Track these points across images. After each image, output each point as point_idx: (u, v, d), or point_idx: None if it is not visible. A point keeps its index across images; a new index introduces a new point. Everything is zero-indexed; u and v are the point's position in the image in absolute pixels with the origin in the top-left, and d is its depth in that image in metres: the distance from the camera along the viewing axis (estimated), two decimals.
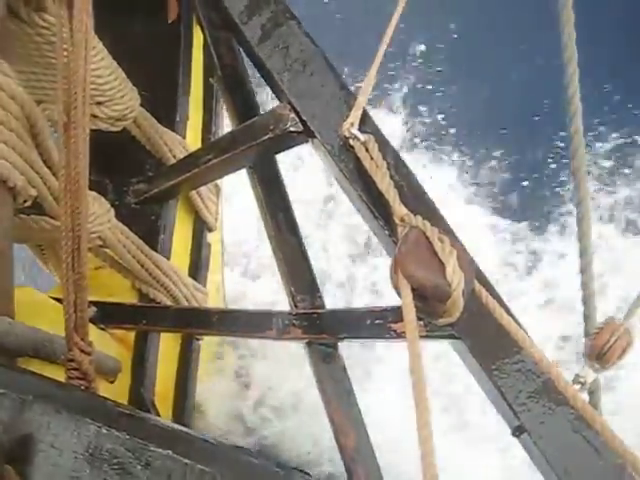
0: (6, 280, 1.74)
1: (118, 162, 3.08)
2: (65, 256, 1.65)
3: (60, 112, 1.69)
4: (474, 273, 1.46)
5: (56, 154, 1.86)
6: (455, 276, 1.37)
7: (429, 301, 1.40)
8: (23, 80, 1.79)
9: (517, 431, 1.75)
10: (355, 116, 1.82)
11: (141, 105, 2.67)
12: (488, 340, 1.72)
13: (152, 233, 3.02)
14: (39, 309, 2.26)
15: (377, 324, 2.12)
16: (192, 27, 3.23)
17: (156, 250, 2.95)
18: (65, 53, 1.69)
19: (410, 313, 1.29)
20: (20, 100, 1.65)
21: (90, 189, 1.87)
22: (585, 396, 1.81)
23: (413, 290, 1.36)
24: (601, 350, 1.70)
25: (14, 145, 1.63)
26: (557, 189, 5.92)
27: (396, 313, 2.05)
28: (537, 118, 6.24)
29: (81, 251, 1.67)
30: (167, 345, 3.13)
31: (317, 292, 2.40)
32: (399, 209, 1.60)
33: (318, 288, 2.42)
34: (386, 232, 1.84)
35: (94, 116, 2.37)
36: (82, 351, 1.64)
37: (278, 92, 2.01)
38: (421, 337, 1.30)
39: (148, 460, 1.08)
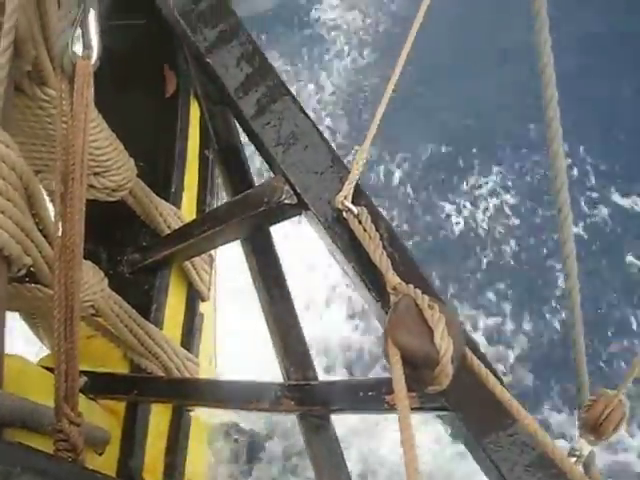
0: None
1: (113, 231, 3.11)
2: (57, 325, 1.65)
3: (58, 182, 1.72)
4: (464, 340, 1.46)
5: (52, 224, 1.88)
6: (443, 342, 1.37)
7: (419, 368, 1.39)
8: (23, 151, 1.82)
9: None
10: (348, 189, 1.85)
11: (138, 176, 2.72)
12: (481, 411, 1.70)
13: (145, 302, 3.02)
14: (29, 378, 2.24)
15: (370, 396, 2.11)
16: (189, 100, 3.32)
17: (149, 320, 2.94)
18: (65, 125, 1.73)
19: (400, 380, 1.29)
20: (20, 171, 1.67)
21: (85, 258, 1.88)
22: (580, 469, 1.78)
23: (403, 358, 1.36)
24: (595, 423, 1.69)
25: (11, 214, 1.65)
26: None
27: (390, 384, 2.04)
28: None
29: (74, 320, 1.67)
30: (157, 416, 3.09)
31: (310, 364, 2.39)
32: (392, 278, 1.61)
33: (311, 360, 2.41)
34: (379, 303, 1.85)
35: (91, 186, 2.40)
36: (71, 422, 1.62)
37: (272, 165, 2.05)
38: (413, 409, 1.29)
39: None
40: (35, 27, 1.77)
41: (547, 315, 6.55)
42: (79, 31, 1.59)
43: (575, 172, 7.29)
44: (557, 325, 6.43)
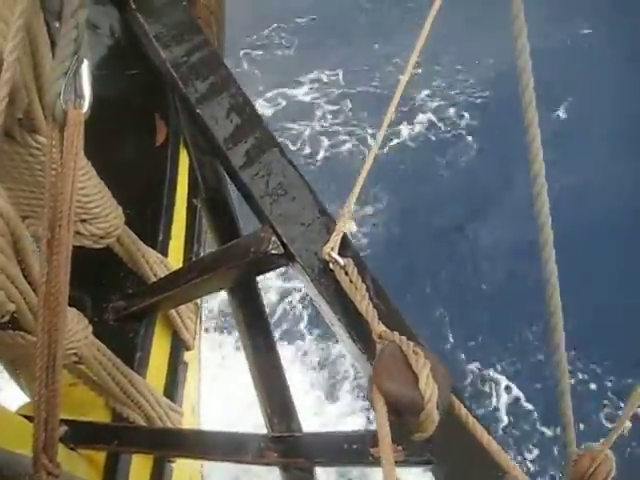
0: None
1: (99, 278, 3.10)
2: (39, 373, 1.63)
3: (45, 229, 1.72)
4: (450, 386, 1.45)
5: (37, 269, 1.87)
6: (428, 387, 1.36)
7: (404, 415, 1.38)
8: (12, 196, 1.83)
9: None
10: (335, 240, 1.87)
11: (125, 223, 2.72)
12: (468, 464, 1.68)
13: (129, 350, 2.99)
14: (6, 426, 2.21)
15: (355, 449, 2.08)
16: (179, 149, 3.35)
17: (132, 368, 2.91)
18: (54, 172, 1.74)
19: (384, 427, 1.28)
20: (7, 217, 1.68)
21: (69, 304, 1.86)
22: None
23: (388, 405, 1.35)
24: (582, 478, 1.67)
25: None
26: None
27: (374, 438, 2.02)
28: None
29: (56, 368, 1.65)
30: (138, 467, 3.03)
31: (294, 415, 2.37)
32: (377, 327, 1.62)
33: (295, 411, 2.39)
34: (364, 355, 1.85)
35: (78, 233, 2.40)
36: (49, 473, 1.59)
37: (260, 215, 2.06)
38: (398, 462, 1.28)
39: None
40: (29, 76, 1.80)
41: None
42: (72, 80, 1.61)
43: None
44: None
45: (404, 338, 1.47)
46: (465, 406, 1.51)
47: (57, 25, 1.72)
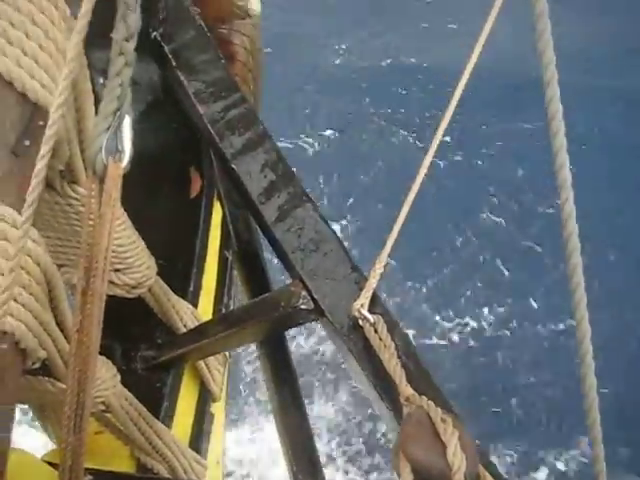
0: (3, 443, 1.72)
1: (129, 328, 3.12)
2: (66, 421, 1.65)
3: (80, 278, 1.75)
4: (478, 456, 1.43)
5: (70, 318, 1.90)
6: (456, 459, 1.35)
7: None
8: (49, 245, 1.87)
9: None
10: (365, 297, 1.88)
11: (157, 273, 2.76)
12: None
13: (156, 400, 2.99)
14: (32, 473, 2.21)
15: None
16: (212, 202, 3.40)
17: (158, 418, 2.91)
18: (91, 222, 1.79)
19: None
20: (44, 266, 1.71)
21: (99, 353, 1.89)
22: None
23: (415, 472, 1.33)
24: None
25: (32, 309, 1.68)
26: None
27: None
28: None
29: (84, 416, 1.66)
30: None
31: (319, 472, 2.35)
32: (405, 389, 1.61)
33: (321, 468, 2.36)
34: (391, 413, 1.83)
35: (111, 282, 2.44)
36: None
37: (291, 270, 2.08)
38: None
39: None
40: (72, 131, 1.86)
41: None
42: (113, 135, 1.66)
43: None
44: None
45: (432, 404, 1.46)
46: (492, 474, 1.49)
47: (102, 81, 1.79)
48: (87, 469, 2.11)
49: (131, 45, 1.57)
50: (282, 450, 2.40)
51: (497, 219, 8.93)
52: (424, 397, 1.51)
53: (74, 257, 2.32)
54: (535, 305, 8.09)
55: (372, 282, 1.91)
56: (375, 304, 1.90)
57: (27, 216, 1.31)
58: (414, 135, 10.07)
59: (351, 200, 9.38)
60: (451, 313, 8.15)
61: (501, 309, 8.11)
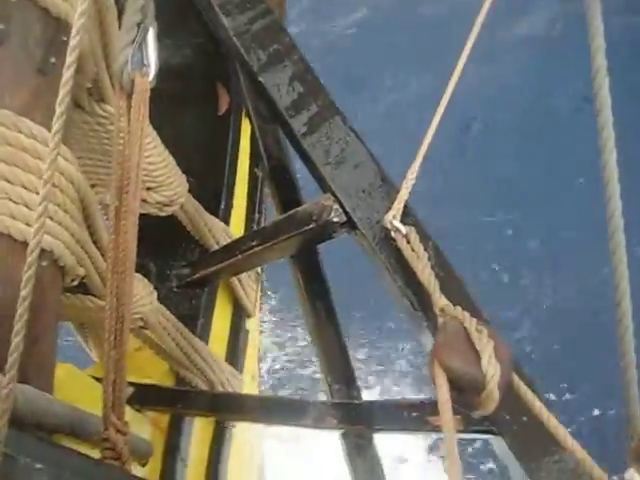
0: (49, 357, 1.78)
1: (163, 246, 3.16)
2: (107, 335, 1.68)
3: (112, 196, 1.76)
4: (512, 366, 1.44)
5: (105, 236, 1.92)
6: (490, 367, 1.36)
7: (465, 392, 1.38)
8: (80, 164, 1.87)
9: None
10: (397, 208, 1.85)
11: (188, 192, 2.76)
12: (527, 437, 1.67)
13: (192, 317, 3.05)
14: (78, 386, 2.29)
15: (414, 417, 2.09)
16: (241, 118, 3.36)
17: (195, 334, 2.98)
18: (121, 141, 1.78)
19: (446, 404, 1.28)
20: (77, 185, 1.72)
21: (135, 271, 1.92)
22: None
23: (449, 381, 1.35)
24: None
25: (67, 226, 1.70)
26: None
27: (434, 406, 2.02)
28: None
29: (123, 331, 1.70)
30: (201, 430, 3.11)
31: (354, 383, 2.39)
32: (439, 300, 1.61)
33: (355, 379, 2.41)
34: (425, 324, 1.84)
35: (143, 201, 2.45)
36: (118, 431, 1.65)
37: (322, 183, 2.06)
38: (458, 431, 1.28)
39: None
40: (96, 44, 1.83)
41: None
42: (138, 49, 1.64)
43: None
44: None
45: (467, 314, 1.46)
46: (526, 383, 1.50)
47: None
48: (129, 383, 2.18)
49: None
50: (318, 362, 2.45)
51: None
52: (458, 307, 1.51)
53: (106, 177, 2.33)
54: None
55: (404, 193, 1.88)
56: (407, 215, 1.88)
57: (57, 129, 1.30)
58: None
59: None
60: None
61: None
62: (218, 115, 3.31)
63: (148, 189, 2.44)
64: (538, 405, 1.44)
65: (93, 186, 2.39)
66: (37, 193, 1.46)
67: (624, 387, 1.74)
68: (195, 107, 3.28)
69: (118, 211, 1.74)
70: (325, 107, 2.10)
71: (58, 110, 1.31)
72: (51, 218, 1.62)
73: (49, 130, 1.39)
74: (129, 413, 2.14)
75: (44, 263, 1.63)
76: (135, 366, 2.83)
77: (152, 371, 3.01)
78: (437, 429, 2.01)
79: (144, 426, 2.78)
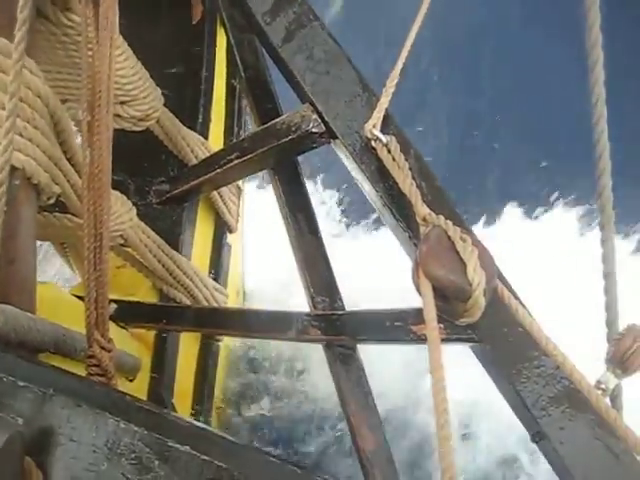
0: (29, 277, 1.76)
1: (140, 162, 3.11)
2: (87, 253, 1.67)
3: (84, 111, 1.71)
4: (496, 273, 1.44)
5: (80, 152, 1.87)
6: (476, 275, 1.36)
7: (450, 301, 1.38)
8: (49, 79, 1.81)
9: (536, 437, 1.72)
10: (377, 117, 1.81)
11: (164, 105, 2.69)
12: (509, 343, 1.69)
13: (173, 233, 3.03)
14: (60, 305, 2.28)
15: (397, 326, 2.11)
16: (216, 28, 3.25)
17: (177, 250, 2.97)
18: (90, 52, 1.71)
19: (431, 312, 1.28)
20: (45, 98, 1.66)
21: (113, 189, 1.88)
22: (607, 401, 1.78)
23: (434, 289, 1.35)
24: (623, 356, 1.67)
25: (39, 143, 1.65)
26: None
27: (417, 315, 2.04)
28: None
29: (103, 249, 1.68)
30: (186, 345, 3.14)
31: (336, 293, 2.39)
32: (421, 209, 1.59)
33: (338, 289, 2.41)
34: (407, 234, 1.83)
35: (117, 115, 2.38)
36: (102, 348, 1.65)
37: (300, 93, 2.00)
38: (441, 340, 1.29)
39: (166, 455, 1.08)
40: None
41: None
42: None
43: None
44: None
45: (450, 223, 1.44)
46: (509, 290, 1.50)
47: None
48: (112, 300, 2.18)
49: None
50: (299, 274, 2.44)
51: None
52: (441, 216, 1.49)
53: (77, 91, 2.25)
54: None
55: (384, 101, 1.83)
56: (388, 124, 1.83)
57: (19, 39, 1.23)
58: None
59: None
60: None
61: None
62: (192, 25, 3.19)
63: (122, 103, 2.37)
64: (521, 311, 1.44)
65: (64, 101, 2.32)
66: (3, 108, 1.41)
67: (605, 294, 1.76)
68: (167, 16, 3.15)
69: (91, 126, 1.69)
70: (303, 13, 2.02)
71: (20, 17, 1.24)
72: (20, 135, 1.56)
73: (11, 41, 1.32)
74: (114, 330, 2.15)
75: (17, 181, 1.59)
76: (118, 284, 2.83)
77: (135, 288, 3.01)
78: (420, 338, 2.03)
79: (130, 343, 2.81)
